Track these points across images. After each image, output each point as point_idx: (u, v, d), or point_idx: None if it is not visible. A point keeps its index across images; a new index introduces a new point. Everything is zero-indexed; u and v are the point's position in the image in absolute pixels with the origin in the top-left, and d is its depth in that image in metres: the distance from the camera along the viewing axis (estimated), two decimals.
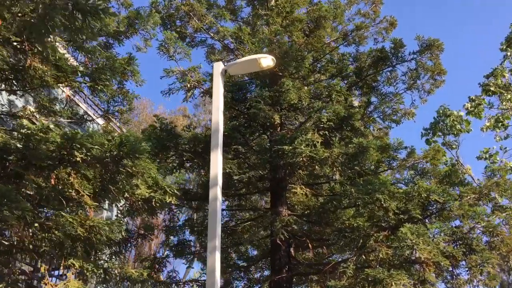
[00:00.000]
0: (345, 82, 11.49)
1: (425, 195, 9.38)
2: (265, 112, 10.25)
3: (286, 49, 10.60)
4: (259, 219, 10.87)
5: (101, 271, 9.35)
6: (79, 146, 6.98)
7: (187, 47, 11.31)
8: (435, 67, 11.68)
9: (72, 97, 11.81)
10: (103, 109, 11.96)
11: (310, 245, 10.27)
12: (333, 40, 12.46)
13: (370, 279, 7.74)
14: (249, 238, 11.71)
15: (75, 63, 10.08)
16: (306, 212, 11.25)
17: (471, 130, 15.25)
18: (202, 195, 11.05)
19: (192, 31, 12.74)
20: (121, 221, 7.42)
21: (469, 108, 13.90)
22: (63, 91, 11.30)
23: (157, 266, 11.84)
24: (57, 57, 8.61)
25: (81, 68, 9.77)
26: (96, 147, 7.10)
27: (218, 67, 8.53)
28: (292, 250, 10.48)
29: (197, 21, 12.00)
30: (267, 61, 8.72)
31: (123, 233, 8.57)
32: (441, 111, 19.98)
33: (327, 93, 10.61)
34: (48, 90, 10.94)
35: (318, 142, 9.63)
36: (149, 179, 8.41)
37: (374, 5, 13.17)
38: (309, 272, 10.55)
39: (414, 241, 7.89)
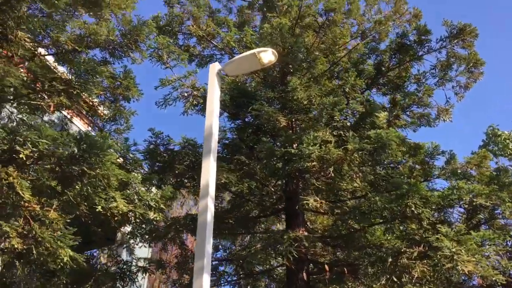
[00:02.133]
0: (365, 80, 9.87)
1: (468, 199, 7.50)
2: (269, 114, 8.78)
3: (291, 43, 9.25)
4: (272, 244, 9.14)
5: None
6: (22, 140, 5.77)
7: (182, 51, 10.16)
8: (470, 57, 9.94)
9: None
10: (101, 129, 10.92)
11: (327, 271, 8.41)
12: (349, 40, 11.00)
13: None
14: (261, 264, 9.94)
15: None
16: (326, 233, 9.48)
17: None
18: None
19: (196, 41, 11.67)
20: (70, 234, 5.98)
21: None
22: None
23: None
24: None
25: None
26: (44, 141, 5.86)
27: (214, 68, 7.47)
28: (305, 275, 8.60)
29: (197, 28, 10.93)
30: (267, 55, 7.50)
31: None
32: (490, 132, 17.87)
33: (340, 87, 9.06)
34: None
35: (330, 141, 8.03)
36: (121, 191, 7.09)
37: (397, 5, 11.70)
38: None
39: (454, 250, 6.00)
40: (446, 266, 6.21)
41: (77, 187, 6.83)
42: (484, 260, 6.17)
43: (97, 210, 7.06)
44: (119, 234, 12.77)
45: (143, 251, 12.84)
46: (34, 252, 5.62)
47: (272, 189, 9.73)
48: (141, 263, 10.30)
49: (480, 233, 6.59)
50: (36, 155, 5.89)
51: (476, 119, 40.08)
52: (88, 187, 6.49)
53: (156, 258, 12.62)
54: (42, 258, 6.00)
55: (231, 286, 10.81)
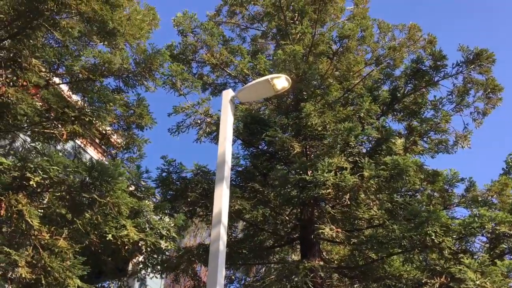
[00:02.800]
0: (380, 106, 9.70)
1: (491, 227, 7.19)
2: (282, 140, 8.64)
3: (305, 69, 9.19)
4: (287, 275, 8.82)
5: None
6: (33, 167, 5.69)
7: (195, 79, 10.16)
8: (487, 82, 9.74)
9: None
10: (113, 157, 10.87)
11: None
12: (363, 67, 10.91)
13: None
14: None
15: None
16: (342, 264, 9.17)
17: None
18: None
19: (209, 69, 11.69)
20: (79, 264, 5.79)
21: None
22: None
23: None
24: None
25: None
26: (55, 167, 5.78)
27: (227, 95, 7.47)
28: None
29: (211, 56, 10.95)
30: (281, 81, 7.48)
31: None
32: (510, 160, 17.55)
33: (354, 113, 8.90)
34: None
35: (346, 168, 7.83)
36: (132, 219, 6.94)
37: (411, 32, 11.61)
38: None
39: (478, 282, 5.69)
40: None
41: (87, 215, 6.72)
42: None
43: (107, 238, 6.90)
44: (130, 265, 12.56)
45: (155, 283, 12.57)
46: (43, 282, 5.45)
47: (287, 217, 9.50)
48: None
49: (505, 263, 6.26)
50: (47, 182, 5.80)
51: (496, 147, 39.37)
52: (98, 216, 6.36)
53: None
54: None
55: None
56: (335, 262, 9.74)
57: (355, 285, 9.68)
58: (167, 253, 10.06)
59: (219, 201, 6.48)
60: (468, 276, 5.89)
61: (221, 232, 6.28)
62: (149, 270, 9.54)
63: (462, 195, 9.63)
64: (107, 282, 9.48)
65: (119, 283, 10.17)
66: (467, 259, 6.29)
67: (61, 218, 6.77)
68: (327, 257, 10.01)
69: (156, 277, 9.79)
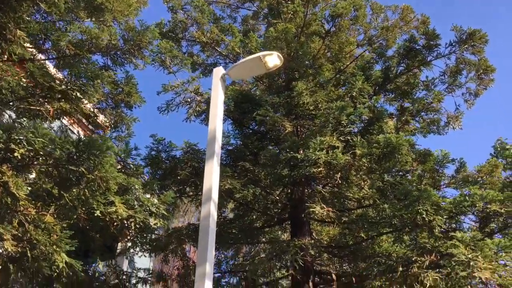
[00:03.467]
0: (372, 86, 9.60)
1: (482, 205, 7.18)
2: (274, 120, 8.53)
3: (296, 48, 9.05)
4: (277, 254, 8.76)
5: None
6: (17, 138, 5.53)
7: (184, 55, 9.97)
8: (480, 63, 9.70)
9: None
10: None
11: (334, 280, 8.06)
12: (355, 47, 10.79)
13: None
14: (265, 275, 9.56)
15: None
16: (332, 244, 9.14)
17: None
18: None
19: (200, 48, 11.50)
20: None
21: None
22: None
23: None
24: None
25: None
26: (40, 140, 5.62)
27: (218, 72, 7.35)
28: (311, 285, 8.23)
29: (201, 34, 10.74)
30: (273, 59, 7.35)
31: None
32: (498, 146, 17.60)
33: (347, 93, 8.81)
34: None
35: (337, 147, 7.76)
36: (120, 196, 6.82)
37: (404, 13, 11.49)
38: None
39: (470, 256, 5.67)
40: (460, 274, 5.87)
41: (74, 191, 6.58)
42: (501, 268, 5.84)
43: (95, 215, 6.79)
44: (119, 244, 12.45)
45: (145, 263, 12.49)
46: (29, 255, 5.33)
47: (277, 197, 9.43)
48: (141, 274, 9.96)
49: (495, 241, 6.26)
50: (32, 154, 5.64)
51: (487, 130, 39.52)
52: (86, 190, 6.22)
53: (157, 270, 12.27)
54: (36, 263, 5.71)
55: None
56: (325, 242, 9.71)
57: (345, 265, 9.70)
58: (156, 232, 9.98)
59: (209, 178, 6.41)
60: (460, 250, 5.87)
61: (211, 209, 6.24)
62: (137, 249, 9.47)
63: (452, 176, 9.64)
64: (96, 262, 9.33)
65: (108, 262, 10.08)
66: (459, 233, 6.26)
67: (48, 194, 6.64)
68: (317, 238, 9.98)
69: (145, 256, 9.71)
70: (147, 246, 9.32)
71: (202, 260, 5.89)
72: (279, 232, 10.71)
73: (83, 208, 7.00)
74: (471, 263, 5.71)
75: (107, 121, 10.19)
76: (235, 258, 12.26)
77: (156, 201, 7.60)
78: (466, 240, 6.02)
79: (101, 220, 7.20)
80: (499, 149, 17.47)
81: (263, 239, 10.53)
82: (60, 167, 5.94)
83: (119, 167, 8.06)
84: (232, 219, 10.14)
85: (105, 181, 6.19)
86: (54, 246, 5.93)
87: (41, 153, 5.73)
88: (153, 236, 9.50)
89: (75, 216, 7.11)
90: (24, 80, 8.20)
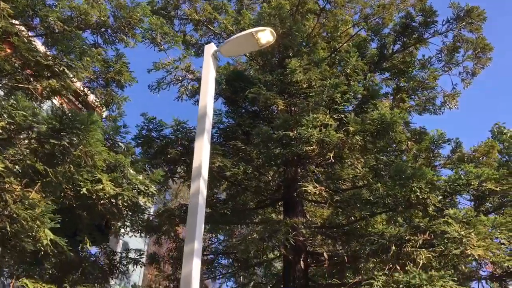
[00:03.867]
0: (367, 64, 9.38)
1: (477, 184, 7.04)
2: (266, 97, 8.34)
3: (291, 24, 8.83)
4: (269, 233, 8.59)
5: None
6: None
7: (176, 33, 9.74)
8: (477, 41, 9.49)
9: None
10: None
11: (326, 259, 7.94)
12: (351, 26, 10.56)
13: (402, 286, 5.38)
14: (258, 255, 9.45)
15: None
16: (325, 224, 9.02)
17: None
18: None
19: (192, 28, 11.24)
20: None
21: None
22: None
23: None
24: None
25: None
26: (21, 112, 5.43)
27: (210, 49, 7.15)
28: (302, 263, 8.11)
29: (193, 11, 10.49)
30: (265, 35, 7.14)
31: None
32: (495, 130, 17.49)
33: (341, 72, 8.60)
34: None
35: (331, 125, 7.58)
36: (107, 174, 6.67)
37: None
38: None
39: (463, 233, 5.54)
40: (453, 252, 5.74)
41: (60, 168, 6.42)
42: (494, 245, 5.71)
43: (81, 192, 6.63)
44: (109, 225, 12.33)
45: (139, 246, 12.37)
46: (9, 229, 5.17)
47: (270, 177, 9.28)
48: (132, 255, 9.83)
49: (490, 218, 6.12)
50: (13, 127, 5.46)
51: (484, 111, 39.08)
52: (71, 166, 6.04)
53: (150, 252, 12.18)
54: (19, 239, 5.56)
55: (228, 279, 10.35)
56: (319, 223, 9.58)
57: (338, 246, 9.59)
58: (147, 213, 9.83)
59: (199, 155, 6.32)
60: (453, 227, 5.73)
61: (201, 186, 6.13)
62: (128, 229, 9.34)
63: (448, 156, 9.51)
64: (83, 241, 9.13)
65: (103, 245, 9.95)
66: (452, 210, 6.12)
67: (34, 171, 6.48)
68: (310, 219, 9.85)
69: (135, 236, 9.58)
70: (139, 226, 9.19)
71: (190, 237, 5.78)
72: (273, 215, 10.57)
73: (70, 186, 6.86)
74: (464, 240, 5.58)
75: (98, 100, 10.00)
76: (228, 240, 12.17)
77: (144, 179, 7.43)
78: (459, 216, 5.88)
79: (88, 198, 7.05)
80: (496, 133, 17.33)
81: (256, 220, 10.39)
82: (43, 141, 5.76)
83: (108, 145, 7.89)
84: (224, 200, 9.99)
85: (90, 157, 6.02)
86: (38, 222, 5.79)
87: (23, 126, 5.55)
88: (145, 217, 9.36)
89: (61, 194, 6.98)
90: (12, 58, 8.00)
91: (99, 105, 10.02)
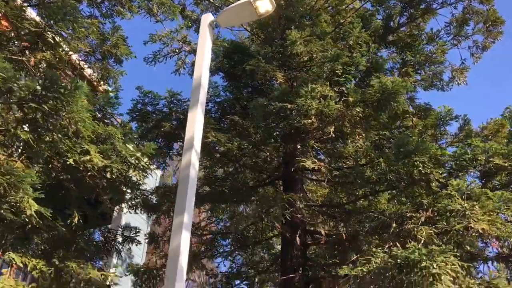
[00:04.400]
0: (371, 36, 8.94)
1: (484, 159, 6.65)
2: (265, 70, 7.99)
3: None
4: (266, 209, 8.24)
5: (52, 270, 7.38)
6: None
7: (173, 3, 9.37)
8: (488, 14, 9.01)
9: None
10: None
11: (324, 235, 7.63)
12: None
13: (400, 261, 5.06)
14: (256, 234, 9.17)
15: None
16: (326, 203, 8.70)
17: None
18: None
19: (192, 1, 10.86)
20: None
21: None
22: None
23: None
24: None
25: None
26: (0, 74, 5.16)
27: (206, 19, 6.84)
28: (298, 239, 7.80)
29: None
30: (264, 4, 6.77)
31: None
32: (507, 115, 17.06)
33: (344, 45, 8.20)
34: None
35: (330, 96, 7.22)
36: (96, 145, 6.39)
37: None
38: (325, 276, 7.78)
39: (466, 205, 5.18)
40: (456, 227, 5.40)
41: (45, 137, 6.17)
42: (500, 220, 5.35)
43: (68, 163, 6.38)
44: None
45: (142, 226, 12.16)
46: None
47: (269, 154, 8.95)
48: (128, 234, 9.59)
49: (497, 193, 5.74)
50: None
51: (494, 88, 37.72)
52: (54, 133, 5.77)
53: (150, 231, 11.98)
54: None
55: (226, 258, 10.10)
56: (319, 202, 9.26)
57: (340, 226, 9.26)
58: (142, 189, 9.57)
59: (192, 126, 6.10)
60: (456, 201, 5.37)
61: (193, 159, 5.91)
62: (123, 205, 9.11)
63: (455, 134, 9.12)
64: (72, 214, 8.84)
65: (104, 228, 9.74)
66: (455, 181, 5.76)
67: (19, 141, 6.25)
68: (310, 197, 9.54)
69: (130, 212, 9.35)
70: (132, 202, 8.96)
71: (180, 209, 5.55)
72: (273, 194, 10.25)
73: (57, 157, 6.61)
74: (468, 213, 5.23)
75: (94, 74, 9.75)
76: (229, 222, 11.89)
77: (135, 151, 7.14)
78: (462, 188, 5.52)
79: (77, 171, 6.80)
80: (508, 117, 16.81)
81: (255, 199, 10.09)
82: (24, 106, 5.49)
83: (99, 116, 7.62)
84: (223, 177, 9.70)
85: (74, 124, 5.74)
86: (20, 192, 5.56)
87: (2, 89, 5.29)
88: (139, 193, 9.10)
89: (49, 166, 6.74)
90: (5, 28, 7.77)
91: (96, 79, 9.77)
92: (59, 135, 5.85)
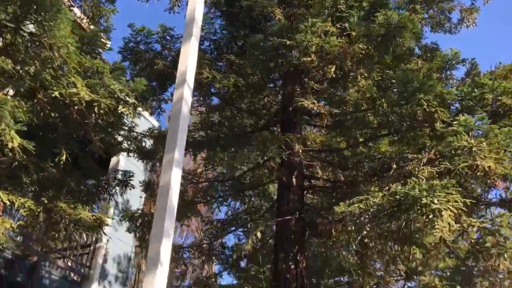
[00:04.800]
0: None
1: (492, 98, 6.30)
2: (262, 5, 7.54)
3: None
4: (261, 150, 7.92)
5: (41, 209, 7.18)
6: None
7: None
8: None
9: None
10: None
11: (322, 179, 7.38)
12: None
13: (399, 197, 4.79)
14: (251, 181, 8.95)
15: None
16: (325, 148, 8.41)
17: None
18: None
19: None
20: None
21: None
22: None
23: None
24: None
25: None
26: None
27: None
28: (295, 181, 7.56)
29: None
30: None
31: None
32: None
33: None
34: None
35: (331, 31, 6.80)
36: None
37: None
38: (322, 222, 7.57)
39: (473, 141, 4.87)
40: (461, 165, 5.10)
41: (31, 69, 5.82)
42: (507, 158, 5.06)
43: (53, 95, 6.04)
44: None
45: (140, 174, 11.94)
46: None
47: (266, 96, 8.59)
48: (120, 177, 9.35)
49: (504, 130, 5.41)
50: None
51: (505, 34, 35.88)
52: (36, 62, 5.41)
53: (148, 179, 11.79)
54: None
55: (221, 204, 9.94)
56: (318, 148, 8.97)
57: (338, 173, 9.01)
58: (138, 133, 9.31)
59: (185, 60, 5.74)
60: (462, 137, 5.06)
61: (185, 93, 5.72)
62: (119, 147, 8.86)
63: (462, 79, 8.74)
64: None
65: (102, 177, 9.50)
66: (462, 117, 5.43)
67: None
68: (309, 144, 9.24)
69: (123, 156, 9.11)
70: (126, 145, 8.71)
71: (171, 146, 5.34)
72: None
73: (42, 90, 6.28)
74: (474, 149, 4.92)
75: (82, 15, 9.29)
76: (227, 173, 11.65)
77: (124, 87, 6.78)
78: (470, 124, 5.19)
79: (63, 107, 6.48)
80: None
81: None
82: (3, 30, 5.11)
83: (87, 50, 7.21)
84: (219, 122, 9.38)
85: (57, 50, 5.37)
86: (3, 123, 5.27)
87: None
88: (132, 134, 8.83)
89: (34, 100, 6.41)
90: None
91: (84, 21, 9.31)
92: (43, 65, 5.49)
